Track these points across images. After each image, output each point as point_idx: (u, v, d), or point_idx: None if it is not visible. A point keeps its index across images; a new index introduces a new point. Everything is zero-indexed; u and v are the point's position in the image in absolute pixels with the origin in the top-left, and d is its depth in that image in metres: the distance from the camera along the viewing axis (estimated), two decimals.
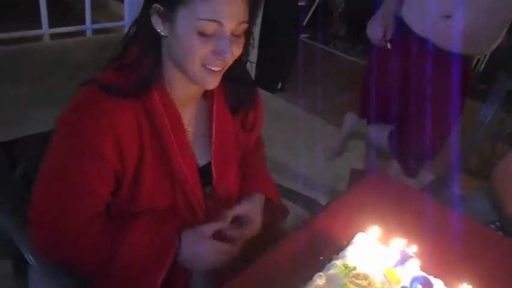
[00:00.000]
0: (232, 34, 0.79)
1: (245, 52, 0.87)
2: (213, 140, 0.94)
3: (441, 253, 0.87)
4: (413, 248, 0.79)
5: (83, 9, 2.09)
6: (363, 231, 0.85)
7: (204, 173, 0.94)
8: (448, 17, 1.44)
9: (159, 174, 0.87)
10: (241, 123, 1.00)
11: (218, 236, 0.91)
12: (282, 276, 0.78)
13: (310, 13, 4.18)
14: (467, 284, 0.74)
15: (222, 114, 0.95)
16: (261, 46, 2.70)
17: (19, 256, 0.96)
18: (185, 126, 0.89)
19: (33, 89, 0.96)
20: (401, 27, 1.61)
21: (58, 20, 2.10)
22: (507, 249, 0.98)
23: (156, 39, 0.81)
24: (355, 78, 2.26)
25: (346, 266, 0.76)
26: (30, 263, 0.92)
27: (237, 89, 0.94)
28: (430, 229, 0.94)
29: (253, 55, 0.96)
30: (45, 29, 1.94)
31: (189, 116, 0.92)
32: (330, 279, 0.74)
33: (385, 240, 0.83)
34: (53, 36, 1.99)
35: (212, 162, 0.94)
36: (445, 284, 0.77)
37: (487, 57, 3.54)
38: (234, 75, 0.89)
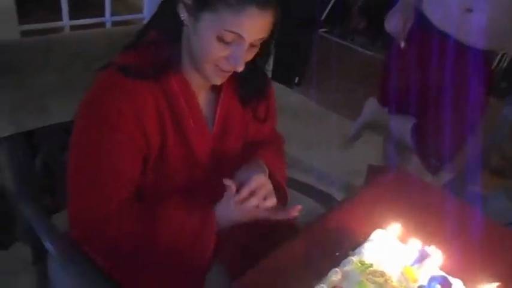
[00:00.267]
0: (250, 45, 0.81)
1: (263, 55, 0.89)
2: (214, 128, 0.94)
3: (461, 253, 0.86)
4: (432, 247, 0.78)
5: (103, 2, 2.11)
6: (381, 228, 0.84)
7: None
8: (470, 10, 1.41)
9: (180, 154, 0.88)
10: (253, 113, 1.00)
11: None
12: (296, 271, 0.78)
13: (328, 7, 4.13)
14: (489, 284, 0.72)
15: (229, 104, 0.96)
16: (278, 40, 2.68)
17: (39, 244, 0.98)
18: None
19: (54, 79, 0.97)
20: (420, 22, 1.58)
21: (78, 12, 2.12)
22: None
23: (178, 25, 0.83)
24: (373, 73, 2.23)
25: (362, 263, 0.76)
26: (49, 250, 0.94)
27: (248, 78, 0.94)
28: (450, 228, 0.92)
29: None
30: (66, 21, 1.96)
31: (201, 102, 0.93)
32: (345, 276, 0.73)
33: (403, 237, 0.82)
34: (73, 27, 2.01)
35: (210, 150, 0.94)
36: (465, 284, 0.75)
37: (510, 54, 3.45)
38: (246, 66, 0.89)
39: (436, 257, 0.76)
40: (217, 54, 0.80)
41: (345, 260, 0.76)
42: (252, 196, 0.84)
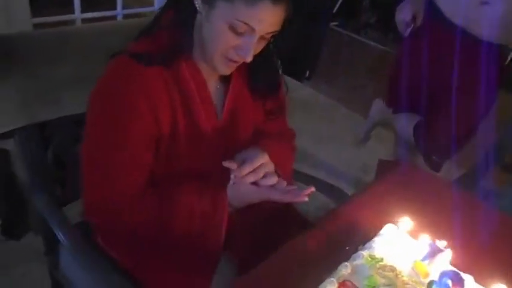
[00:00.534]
0: (260, 37, 0.81)
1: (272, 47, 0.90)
2: (223, 115, 0.94)
3: (472, 248, 0.85)
4: (443, 242, 0.77)
5: None
6: (391, 223, 0.83)
7: None
8: (485, 3, 1.38)
9: (190, 139, 0.89)
10: (262, 106, 1.00)
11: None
12: (306, 265, 0.77)
13: (340, 1, 4.09)
14: (501, 283, 0.72)
15: (238, 94, 0.96)
16: (289, 34, 2.66)
17: (50, 234, 0.99)
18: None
19: (66, 71, 0.98)
20: (432, 15, 1.56)
21: (90, 5, 2.13)
22: None
23: (192, 13, 0.83)
24: (385, 67, 2.21)
25: (372, 257, 0.75)
26: (61, 241, 0.95)
27: (258, 70, 0.94)
28: (461, 223, 0.91)
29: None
30: (78, 14, 1.98)
31: (211, 89, 0.93)
32: (355, 270, 0.73)
33: (413, 232, 0.82)
34: (85, 21, 2.02)
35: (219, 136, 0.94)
36: (476, 280, 0.75)
37: None
38: (258, 57, 0.89)
39: (447, 252, 0.75)
40: (227, 43, 0.81)
41: (355, 254, 0.76)
42: (252, 173, 0.84)
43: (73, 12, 1.96)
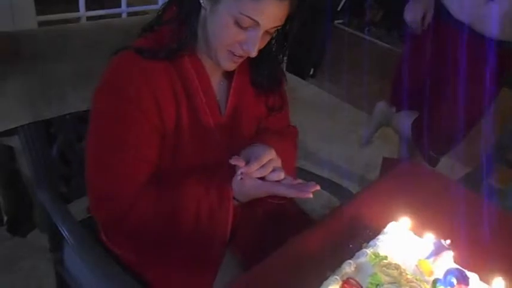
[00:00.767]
0: (264, 32, 0.81)
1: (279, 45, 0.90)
2: (226, 110, 0.94)
3: (476, 246, 0.84)
4: (448, 240, 0.76)
5: None
6: (395, 221, 0.83)
7: None
8: (491, 0, 1.38)
9: (194, 134, 0.89)
10: (265, 102, 1.00)
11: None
12: (310, 263, 0.77)
13: None
14: (502, 278, 0.71)
15: (241, 89, 0.95)
16: (293, 32, 2.65)
17: (55, 231, 1.00)
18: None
19: (71, 69, 0.98)
20: (438, 11, 1.56)
21: (94, 3, 2.14)
22: None
23: (196, 8, 0.83)
24: (389, 65, 2.21)
25: (376, 255, 0.75)
26: (66, 237, 0.95)
27: (261, 66, 0.94)
28: (465, 221, 0.91)
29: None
30: (82, 12, 1.98)
31: (214, 85, 0.93)
32: (359, 268, 0.73)
33: (418, 230, 0.81)
34: (89, 18, 2.03)
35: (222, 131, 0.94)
36: (481, 279, 0.74)
37: None
38: (261, 52, 0.88)
39: (452, 250, 0.75)
40: (232, 38, 0.81)
41: (359, 252, 0.76)
42: (260, 168, 0.83)
43: (78, 10, 1.97)
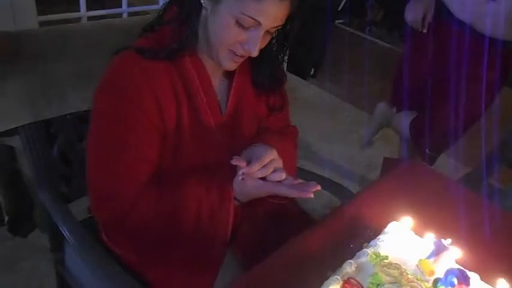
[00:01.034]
0: (265, 31, 0.81)
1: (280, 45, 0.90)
2: (227, 109, 0.94)
3: (477, 246, 0.84)
4: (448, 240, 0.76)
5: None
6: (396, 220, 0.83)
7: None
8: (492, 0, 1.38)
9: (195, 134, 0.89)
10: (265, 102, 1.00)
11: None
12: (311, 263, 0.77)
13: None
14: (504, 279, 0.71)
15: (242, 89, 0.95)
16: (294, 32, 2.65)
17: (56, 231, 1.00)
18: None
19: (72, 68, 0.98)
20: (438, 11, 1.56)
21: (95, 3, 2.14)
22: None
23: (197, 9, 0.83)
24: (390, 65, 2.20)
25: (377, 255, 0.75)
26: (67, 237, 0.95)
27: (262, 66, 0.94)
28: (466, 221, 0.91)
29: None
30: (83, 12, 1.98)
31: (214, 85, 0.93)
32: (360, 268, 0.73)
33: (419, 230, 0.81)
34: (90, 18, 2.03)
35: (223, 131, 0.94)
36: (482, 278, 0.74)
37: None
38: (261, 52, 0.88)
39: (452, 250, 0.75)
40: (233, 38, 0.81)
41: (360, 252, 0.76)
42: (262, 169, 0.83)
43: (79, 10, 1.97)
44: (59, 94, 1.01)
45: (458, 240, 0.77)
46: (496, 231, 0.91)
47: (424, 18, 1.58)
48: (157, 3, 2.32)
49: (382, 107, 1.98)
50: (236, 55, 0.84)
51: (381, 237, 0.80)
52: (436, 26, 1.59)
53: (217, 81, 0.93)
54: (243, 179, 0.83)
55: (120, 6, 2.17)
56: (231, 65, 0.87)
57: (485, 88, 1.48)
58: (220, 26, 0.81)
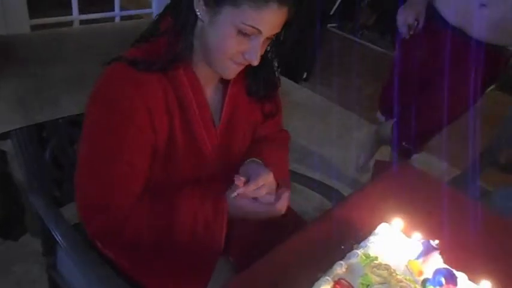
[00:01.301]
0: (265, 38, 0.82)
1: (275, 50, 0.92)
2: (220, 121, 0.94)
3: (465, 247, 0.86)
4: (437, 241, 0.78)
5: None
6: (386, 222, 0.84)
7: None
8: (484, 6, 1.41)
9: (187, 146, 0.89)
10: (260, 109, 1.01)
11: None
12: (302, 264, 0.78)
13: (338, 2, 4.10)
14: (488, 279, 0.73)
15: (236, 98, 0.96)
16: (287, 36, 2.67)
17: (48, 235, 1.00)
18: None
19: (64, 73, 0.98)
20: (429, 15, 1.59)
21: (87, 7, 2.14)
22: None
23: (192, 21, 0.83)
24: (381, 69, 2.23)
25: (367, 256, 0.76)
26: (59, 241, 0.95)
27: (257, 71, 0.94)
28: (454, 222, 0.92)
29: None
30: (76, 15, 1.98)
31: (208, 96, 0.93)
32: (350, 268, 0.74)
33: (408, 231, 0.82)
34: (83, 22, 2.03)
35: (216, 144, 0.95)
36: (469, 278, 0.76)
37: None
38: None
39: (441, 251, 0.76)
40: (234, 48, 0.81)
41: (350, 253, 0.77)
42: (256, 190, 0.86)
43: (71, 13, 1.97)
44: (51, 98, 1.01)
45: (446, 240, 0.78)
46: (483, 232, 0.93)
47: (417, 23, 1.60)
48: (150, 7, 2.32)
49: (370, 134, 2.04)
50: (237, 63, 0.84)
51: (371, 238, 0.81)
52: (427, 30, 1.61)
53: (210, 93, 0.93)
54: (235, 196, 0.85)
55: (113, 10, 2.17)
56: (231, 74, 0.88)
57: (472, 89, 1.52)
58: (221, 37, 0.80)
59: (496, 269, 0.76)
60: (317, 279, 0.70)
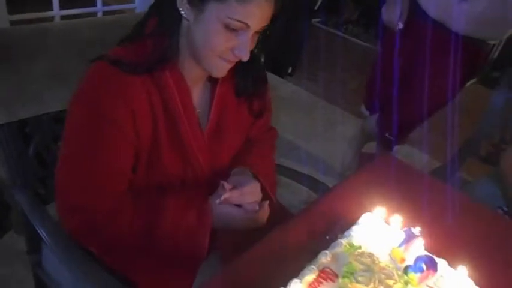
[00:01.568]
0: (254, 32, 0.81)
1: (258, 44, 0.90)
2: (208, 124, 0.94)
3: (446, 234, 0.88)
4: (418, 228, 0.80)
5: None
6: (369, 212, 0.86)
7: None
8: (465, 0, 1.44)
9: (172, 149, 0.88)
10: (248, 108, 1.00)
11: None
12: (288, 254, 0.79)
13: None
14: (464, 265, 0.75)
15: (225, 98, 0.95)
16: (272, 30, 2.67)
17: (33, 234, 0.99)
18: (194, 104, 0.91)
19: (46, 68, 0.97)
20: (412, 10, 1.61)
21: (68, 2, 2.11)
22: None
23: (177, 20, 0.82)
24: (366, 63, 2.25)
25: (351, 245, 0.78)
26: (44, 239, 0.95)
27: (245, 68, 0.93)
28: (435, 210, 0.95)
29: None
30: (56, 11, 1.95)
31: (195, 96, 0.92)
32: (334, 257, 0.75)
33: (390, 220, 0.84)
34: (63, 18, 2.00)
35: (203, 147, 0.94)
36: (449, 264, 0.78)
37: (501, 44, 3.47)
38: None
39: (422, 238, 0.78)
40: (223, 44, 0.80)
41: (334, 243, 0.78)
42: (241, 196, 0.89)
43: (52, 9, 1.93)
44: (34, 94, 1.00)
45: (427, 228, 0.80)
46: (463, 219, 0.95)
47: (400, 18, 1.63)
48: (133, 2, 2.30)
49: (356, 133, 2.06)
50: (227, 61, 0.83)
51: (354, 228, 0.82)
52: (410, 24, 1.64)
53: (198, 93, 0.93)
54: (220, 202, 0.87)
55: (95, 5, 2.15)
56: (221, 72, 0.86)
57: (452, 82, 1.55)
58: (209, 34, 0.79)
59: (474, 255, 0.79)
60: (302, 268, 0.72)
